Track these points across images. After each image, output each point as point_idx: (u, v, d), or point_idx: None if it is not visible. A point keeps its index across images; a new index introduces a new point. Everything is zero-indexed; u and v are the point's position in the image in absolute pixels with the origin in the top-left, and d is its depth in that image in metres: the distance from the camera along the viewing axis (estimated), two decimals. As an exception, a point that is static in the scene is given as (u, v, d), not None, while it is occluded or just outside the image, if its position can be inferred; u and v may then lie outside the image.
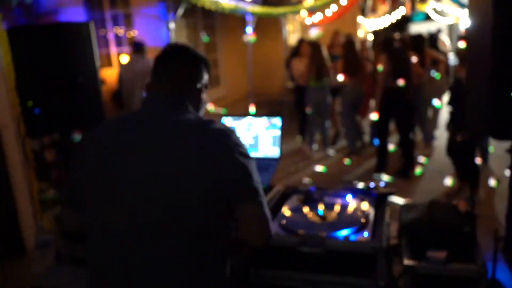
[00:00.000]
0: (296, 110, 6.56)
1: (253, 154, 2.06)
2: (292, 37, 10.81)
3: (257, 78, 10.51)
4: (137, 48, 4.72)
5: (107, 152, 1.20)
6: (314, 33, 6.43)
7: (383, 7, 6.42)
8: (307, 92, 5.82)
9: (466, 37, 2.01)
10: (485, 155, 4.79)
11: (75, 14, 7.35)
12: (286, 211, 1.73)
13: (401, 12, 11.11)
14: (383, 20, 13.29)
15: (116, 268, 1.16)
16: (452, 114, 4.31)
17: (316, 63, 5.63)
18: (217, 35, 10.19)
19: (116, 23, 7.59)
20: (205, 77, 1.36)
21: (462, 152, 4.16)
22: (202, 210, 1.14)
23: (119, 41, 7.64)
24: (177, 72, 1.30)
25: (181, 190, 1.13)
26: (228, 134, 1.21)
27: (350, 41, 5.78)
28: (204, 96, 1.37)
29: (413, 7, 6.30)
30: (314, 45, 5.78)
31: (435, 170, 5.08)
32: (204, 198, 1.14)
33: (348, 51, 5.70)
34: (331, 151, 6.09)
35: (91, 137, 1.28)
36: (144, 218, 1.13)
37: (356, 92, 5.72)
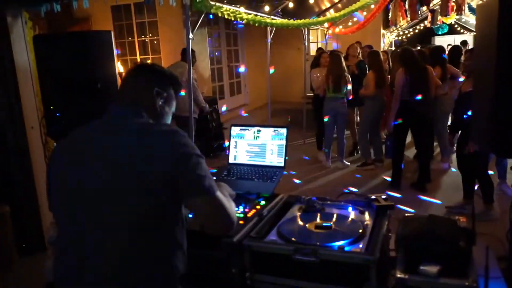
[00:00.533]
0: (314, 120, 6.60)
1: (257, 161, 2.14)
2: (315, 47, 10.86)
3: (278, 87, 10.60)
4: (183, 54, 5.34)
5: (67, 151, 1.36)
6: (335, 45, 6.46)
7: (403, 20, 6.41)
8: (324, 102, 5.84)
9: (473, 51, 2.01)
10: (501, 170, 4.70)
11: (105, 21, 7.64)
12: (285, 219, 1.77)
13: (422, 24, 11.02)
14: (405, 32, 13.21)
15: (74, 249, 1.29)
16: (453, 125, 4.36)
17: (334, 74, 5.64)
18: (240, 43, 10.35)
19: (142, 30, 7.83)
20: (169, 91, 1.48)
21: (471, 165, 4.09)
22: (145, 199, 1.23)
23: (144, 47, 7.87)
24: (134, 83, 1.44)
25: (126, 179, 1.23)
26: (171, 134, 1.30)
27: (374, 52, 5.76)
28: (165, 107, 1.47)
29: (433, 20, 6.25)
30: (334, 56, 5.80)
31: (452, 184, 5.01)
32: (147, 189, 1.23)
33: (373, 62, 5.68)
34: (346, 162, 6.09)
35: (58, 143, 1.47)
36: (95, 203, 1.25)
37: (379, 104, 5.71)
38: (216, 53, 9.02)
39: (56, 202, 1.37)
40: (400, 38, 14.91)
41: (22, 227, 3.65)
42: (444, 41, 14.18)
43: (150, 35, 7.73)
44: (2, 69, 3.44)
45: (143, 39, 7.85)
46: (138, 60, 7.86)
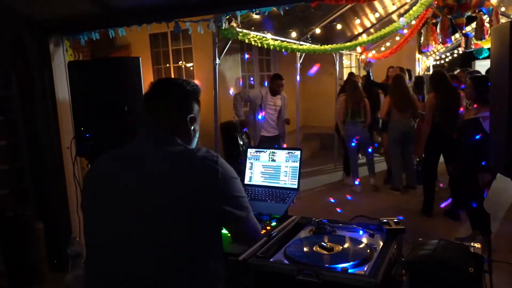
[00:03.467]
0: (341, 145, 6.61)
1: (272, 183, 2.17)
2: (348, 72, 10.85)
3: (310, 112, 10.63)
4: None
5: (100, 181, 1.38)
6: (364, 67, 6.46)
7: (436, 44, 6.32)
8: (345, 127, 5.90)
9: (489, 75, 1.98)
10: None
11: (143, 48, 8.03)
12: (293, 240, 1.78)
13: (459, 48, 10.77)
14: (442, 57, 12.94)
15: (106, 277, 1.30)
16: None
17: (352, 100, 5.73)
18: (272, 69, 10.50)
19: (177, 57, 8.15)
20: (195, 108, 1.47)
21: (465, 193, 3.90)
22: (184, 230, 1.25)
23: (179, 73, 8.17)
24: (163, 108, 1.42)
25: (165, 212, 1.25)
26: (214, 159, 1.32)
27: (398, 75, 5.74)
28: (195, 127, 1.48)
29: (467, 44, 6.10)
30: (350, 81, 5.92)
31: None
32: (186, 218, 1.25)
33: (396, 85, 5.65)
34: (372, 181, 6.06)
35: (92, 168, 1.48)
36: (129, 234, 1.27)
37: (404, 128, 5.61)
38: (251, 78, 9.21)
39: (93, 222, 1.38)
40: (438, 62, 14.64)
41: (54, 243, 3.81)
42: (484, 65, 13.74)
43: (185, 61, 8.03)
44: (43, 93, 3.70)
45: (178, 65, 8.15)
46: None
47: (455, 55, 14.13)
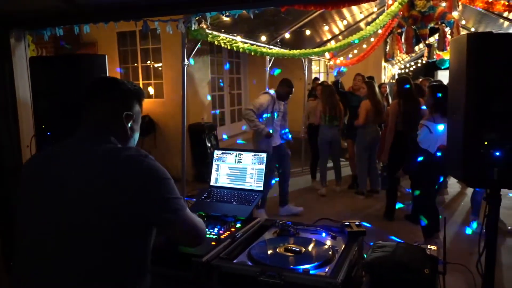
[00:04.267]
0: (309, 148, 6.70)
1: (237, 185, 2.17)
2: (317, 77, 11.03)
3: (279, 115, 10.70)
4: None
5: (33, 178, 1.35)
6: (336, 75, 6.61)
7: (401, 54, 6.56)
8: (319, 130, 5.97)
9: (448, 85, 2.07)
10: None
11: (110, 47, 7.87)
12: (257, 242, 1.79)
13: (420, 58, 11.21)
14: (406, 66, 13.38)
15: (37, 277, 1.25)
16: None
17: (329, 105, 5.82)
18: (242, 71, 10.54)
19: (146, 56, 8.03)
20: (135, 108, 1.46)
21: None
22: (110, 228, 1.23)
23: (147, 73, 8.05)
24: (100, 106, 1.41)
25: (91, 211, 1.23)
26: (140, 159, 1.29)
27: (369, 83, 5.88)
28: (133, 127, 1.46)
29: (429, 55, 6.37)
30: (326, 87, 6.01)
31: (448, 216, 4.99)
32: (112, 219, 1.23)
33: (371, 92, 5.78)
34: (338, 189, 6.17)
35: (24, 166, 1.44)
36: (59, 230, 1.24)
37: (373, 134, 5.76)
38: (220, 80, 9.20)
39: (21, 225, 1.34)
40: (403, 71, 15.11)
41: (11, 245, 3.66)
42: (446, 75, 14.30)
43: (154, 61, 7.92)
44: (3, 89, 3.55)
45: (146, 64, 8.03)
46: (141, 85, 8.02)
47: (419, 65, 14.64)
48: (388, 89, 7.70)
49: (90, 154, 1.31)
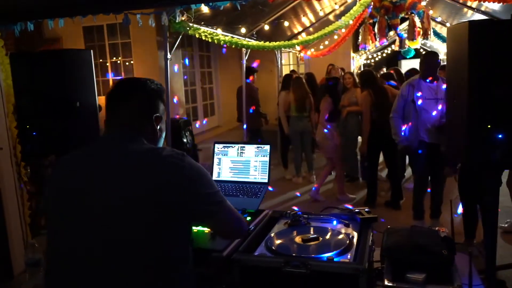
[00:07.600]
0: (281, 140, 6.79)
1: (241, 178, 2.16)
2: (287, 69, 11.09)
3: (251, 108, 10.69)
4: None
5: (65, 184, 1.30)
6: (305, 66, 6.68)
7: (372, 43, 6.72)
8: (290, 121, 6.07)
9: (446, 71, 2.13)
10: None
11: (76, 42, 7.56)
12: (273, 234, 1.78)
13: (389, 48, 11.52)
14: (373, 56, 13.72)
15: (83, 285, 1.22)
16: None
17: (298, 95, 5.89)
18: (213, 65, 10.45)
19: (115, 52, 7.80)
20: (161, 107, 1.45)
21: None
22: (154, 231, 1.22)
23: (117, 69, 7.82)
24: (127, 108, 1.38)
25: (134, 216, 1.20)
26: (181, 158, 1.28)
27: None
28: (162, 127, 1.45)
29: (401, 44, 6.55)
30: (296, 79, 6.09)
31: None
32: (157, 219, 1.22)
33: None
34: (313, 178, 6.27)
35: (55, 169, 1.40)
36: (100, 240, 1.20)
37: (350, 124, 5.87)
38: (193, 75, 9.08)
39: (57, 224, 1.30)
40: (369, 61, 15.47)
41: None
42: (410, 64, 14.78)
43: (123, 56, 7.70)
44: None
45: (115, 60, 7.80)
46: (111, 82, 7.79)
47: (384, 55, 15.02)
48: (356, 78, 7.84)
49: (131, 156, 1.29)
